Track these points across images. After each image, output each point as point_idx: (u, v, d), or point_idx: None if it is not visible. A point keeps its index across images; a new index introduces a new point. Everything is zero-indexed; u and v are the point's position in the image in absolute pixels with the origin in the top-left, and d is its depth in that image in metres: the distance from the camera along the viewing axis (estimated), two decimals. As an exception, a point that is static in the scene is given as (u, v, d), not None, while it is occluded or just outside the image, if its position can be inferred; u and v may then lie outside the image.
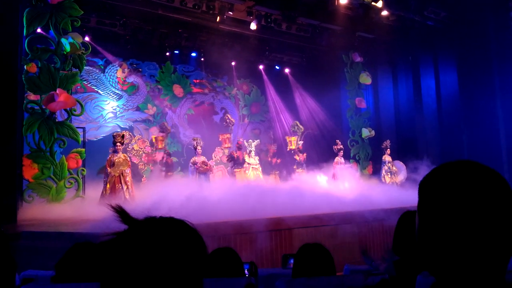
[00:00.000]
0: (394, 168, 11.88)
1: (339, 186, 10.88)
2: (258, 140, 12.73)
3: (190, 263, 0.77)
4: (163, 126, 12.28)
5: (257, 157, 12.04)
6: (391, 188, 10.95)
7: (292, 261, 2.32)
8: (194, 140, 10.86)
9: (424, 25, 12.07)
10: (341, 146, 12.29)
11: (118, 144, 8.77)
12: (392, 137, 13.22)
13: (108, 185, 8.43)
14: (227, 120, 12.40)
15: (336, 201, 7.78)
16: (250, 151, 11.96)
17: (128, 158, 9.01)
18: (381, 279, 2.11)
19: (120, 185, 8.48)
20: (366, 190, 10.20)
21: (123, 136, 9.13)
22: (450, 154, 11.55)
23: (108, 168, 8.57)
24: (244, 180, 11.12)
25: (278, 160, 13.86)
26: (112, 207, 0.80)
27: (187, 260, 0.76)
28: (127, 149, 11.62)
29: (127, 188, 8.54)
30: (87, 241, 1.91)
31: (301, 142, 13.09)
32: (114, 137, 9.01)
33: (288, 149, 13.15)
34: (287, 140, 13.25)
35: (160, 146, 11.75)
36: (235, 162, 11.54)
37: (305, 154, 12.82)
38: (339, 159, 12.11)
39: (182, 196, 6.65)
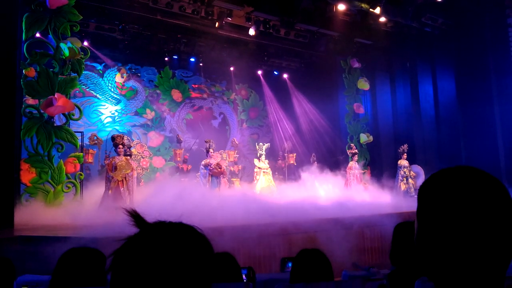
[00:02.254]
0: (412, 172, 11.61)
1: (354, 192, 10.81)
2: (268, 143, 12.46)
3: (200, 268, 0.78)
4: (92, 138, 10.71)
5: (267, 161, 11.76)
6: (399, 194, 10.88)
7: (290, 264, 2.31)
8: (206, 142, 10.36)
9: (422, 32, 12.14)
10: (356, 151, 12.13)
11: (120, 146, 8.19)
12: (390, 143, 13.23)
13: (110, 191, 7.90)
14: (178, 138, 12.26)
15: (341, 207, 7.82)
16: (261, 155, 11.61)
17: (130, 161, 8.46)
18: (379, 284, 2.11)
19: (123, 189, 7.97)
20: (377, 196, 10.27)
21: (123, 138, 8.58)
22: (448, 160, 11.56)
23: (110, 173, 8.03)
24: (255, 185, 11.07)
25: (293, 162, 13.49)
26: (127, 210, 0.82)
27: (197, 265, 0.78)
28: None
29: (129, 193, 8.06)
30: (84, 245, 1.90)
31: (237, 156, 12.92)
32: (114, 138, 8.36)
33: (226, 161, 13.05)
34: (227, 154, 13.10)
35: (90, 160, 10.21)
36: (181, 173, 11.31)
37: (240, 166, 12.89)
38: (354, 163, 11.91)
39: (182, 200, 6.66)
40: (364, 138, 13.24)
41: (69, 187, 8.10)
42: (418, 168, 11.79)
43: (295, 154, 13.51)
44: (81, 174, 8.48)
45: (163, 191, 8.01)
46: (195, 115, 14.37)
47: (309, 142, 14.10)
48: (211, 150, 10.12)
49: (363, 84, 13.48)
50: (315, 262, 2.15)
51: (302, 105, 14.72)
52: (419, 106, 13.01)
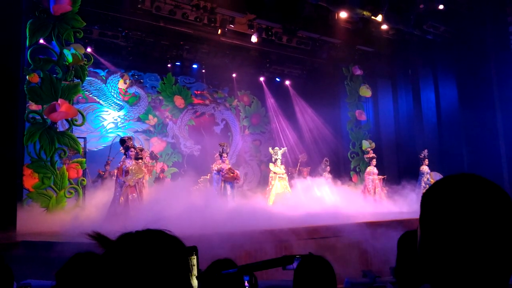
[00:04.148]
0: (432, 180, 11.20)
1: (372, 199, 10.72)
2: (285, 148, 11.93)
3: (171, 268, 0.81)
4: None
5: (283, 166, 11.14)
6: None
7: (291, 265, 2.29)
8: (220, 145, 9.83)
9: (424, 39, 12.17)
10: (374, 155, 11.82)
11: (132, 149, 7.72)
12: (392, 150, 13.20)
13: (122, 197, 7.39)
14: (155, 154, 12.00)
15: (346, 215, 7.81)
16: (276, 160, 10.99)
17: (142, 165, 8.00)
18: (382, 292, 2.10)
19: (135, 195, 7.52)
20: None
21: (132, 139, 8.16)
22: (450, 167, 11.53)
23: (120, 177, 7.53)
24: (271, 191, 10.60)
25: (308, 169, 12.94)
26: (89, 235, 0.84)
27: (167, 266, 0.81)
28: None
29: (142, 199, 7.58)
30: (88, 251, 1.90)
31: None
32: (125, 141, 7.85)
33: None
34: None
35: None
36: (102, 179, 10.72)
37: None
38: (372, 168, 11.56)
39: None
40: (366, 144, 13.21)
41: (71, 193, 8.10)
42: (438, 176, 11.20)
43: (309, 168, 12.95)
44: (83, 180, 8.48)
45: (172, 198, 7.74)
46: (197, 121, 14.39)
47: (311, 148, 14.08)
48: (224, 154, 9.64)
49: (365, 91, 13.49)
50: (319, 269, 2.14)
51: (304, 112, 14.73)
52: (421, 112, 13.00)
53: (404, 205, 10.03)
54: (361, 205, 10.06)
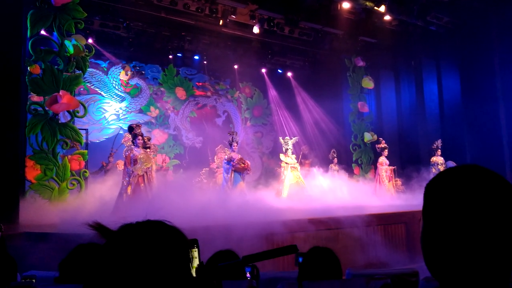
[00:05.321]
0: None
1: (386, 191, 10.72)
2: (297, 137, 11.61)
3: (169, 259, 0.81)
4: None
5: (294, 156, 10.82)
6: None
7: (301, 259, 2.30)
8: (230, 134, 9.62)
9: (427, 30, 12.08)
10: (385, 145, 11.72)
11: (140, 137, 7.56)
12: (394, 142, 13.18)
13: (130, 186, 7.24)
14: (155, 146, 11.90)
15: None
16: (287, 150, 10.68)
17: (149, 154, 7.79)
18: (384, 283, 2.11)
19: (144, 184, 7.33)
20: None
21: (141, 127, 8.01)
22: (453, 159, 11.51)
23: (129, 167, 7.32)
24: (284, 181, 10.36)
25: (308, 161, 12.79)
26: (90, 225, 0.84)
27: (167, 256, 0.81)
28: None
29: (151, 188, 7.42)
30: (90, 242, 1.90)
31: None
32: (133, 128, 7.66)
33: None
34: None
35: None
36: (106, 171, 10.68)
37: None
38: (384, 159, 11.52)
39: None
40: (368, 137, 13.19)
41: (74, 184, 8.12)
42: (452, 164, 11.02)
43: (310, 160, 12.78)
44: (85, 171, 8.49)
45: (178, 191, 7.58)
46: (199, 113, 14.38)
47: (313, 140, 14.08)
48: (234, 144, 9.43)
49: (368, 83, 13.44)
50: (325, 260, 2.15)
51: (306, 104, 14.70)
52: (423, 104, 12.96)
53: (419, 196, 9.96)
54: (373, 198, 10.08)
